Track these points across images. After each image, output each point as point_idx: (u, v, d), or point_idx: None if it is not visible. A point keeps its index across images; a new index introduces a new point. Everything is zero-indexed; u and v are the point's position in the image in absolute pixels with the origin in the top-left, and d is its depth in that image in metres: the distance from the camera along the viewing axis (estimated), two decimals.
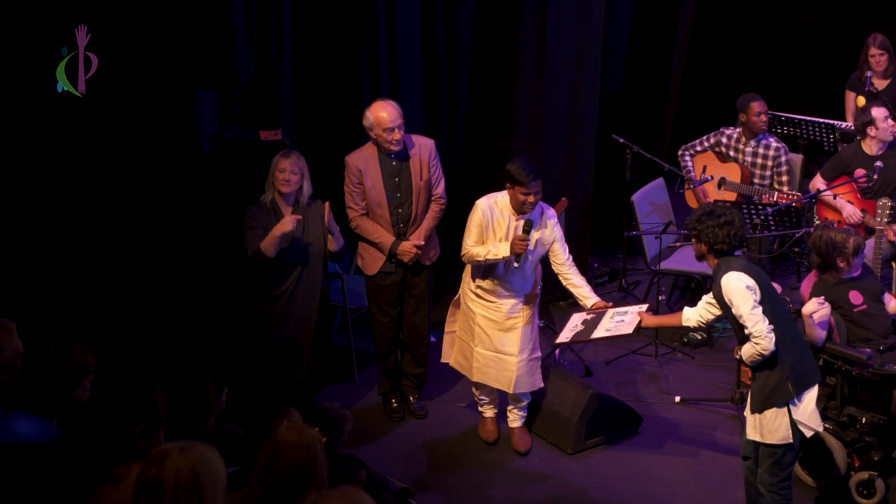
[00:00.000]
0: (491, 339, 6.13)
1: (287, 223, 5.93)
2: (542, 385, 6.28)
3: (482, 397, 6.43)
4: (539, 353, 6.26)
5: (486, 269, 6.05)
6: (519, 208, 5.90)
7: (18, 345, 4.50)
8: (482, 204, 5.98)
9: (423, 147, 6.35)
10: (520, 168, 5.80)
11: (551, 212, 6.08)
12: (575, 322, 5.93)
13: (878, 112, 7.20)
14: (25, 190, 6.08)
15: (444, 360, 6.49)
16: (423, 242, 6.35)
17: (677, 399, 6.78)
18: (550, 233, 6.02)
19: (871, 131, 7.21)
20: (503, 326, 6.12)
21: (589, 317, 5.92)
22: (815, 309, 5.72)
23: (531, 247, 5.92)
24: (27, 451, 4.08)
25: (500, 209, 5.96)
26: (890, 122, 7.18)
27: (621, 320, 5.76)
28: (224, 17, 6.25)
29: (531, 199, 5.84)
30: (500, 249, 5.90)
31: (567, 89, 7.80)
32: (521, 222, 5.91)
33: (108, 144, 6.22)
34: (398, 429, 6.61)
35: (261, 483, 3.64)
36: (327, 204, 6.13)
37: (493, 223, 5.96)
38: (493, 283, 6.07)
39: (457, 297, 6.35)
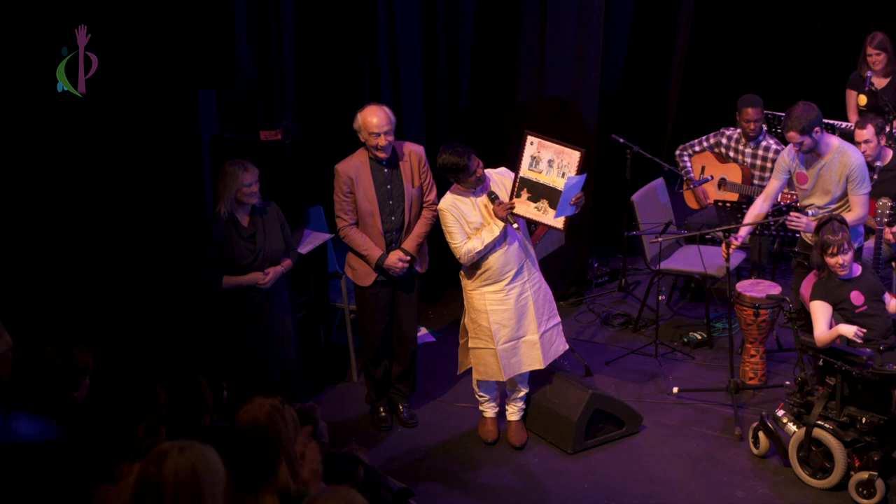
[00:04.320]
0: (510, 329, 6.15)
1: (263, 282, 6.03)
2: (566, 347, 6.42)
3: (482, 395, 6.43)
4: (558, 319, 6.35)
5: (484, 258, 6.06)
6: (475, 186, 6.04)
7: (7, 338, 4.50)
8: (444, 204, 6.09)
9: (413, 154, 6.33)
10: (451, 157, 5.95)
11: (495, 170, 6.18)
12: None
13: (859, 135, 7.18)
14: (25, 190, 6.08)
15: (460, 371, 6.52)
16: (415, 249, 6.33)
17: (675, 390, 6.79)
18: (509, 182, 6.13)
19: (860, 147, 7.21)
20: (518, 312, 6.14)
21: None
22: (853, 337, 5.75)
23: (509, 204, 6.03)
24: (27, 451, 4.08)
25: (460, 200, 6.07)
26: (871, 144, 7.13)
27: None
28: (224, 17, 6.24)
29: (479, 173, 6.00)
30: (491, 229, 6.00)
31: (567, 89, 7.80)
32: (484, 197, 6.04)
33: (108, 144, 6.21)
34: (398, 429, 6.62)
35: (231, 469, 3.67)
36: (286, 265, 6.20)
37: (463, 215, 6.04)
38: (496, 265, 6.07)
39: (464, 318, 6.36)
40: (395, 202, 6.28)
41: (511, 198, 6.01)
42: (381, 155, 6.18)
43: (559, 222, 5.95)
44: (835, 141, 6.34)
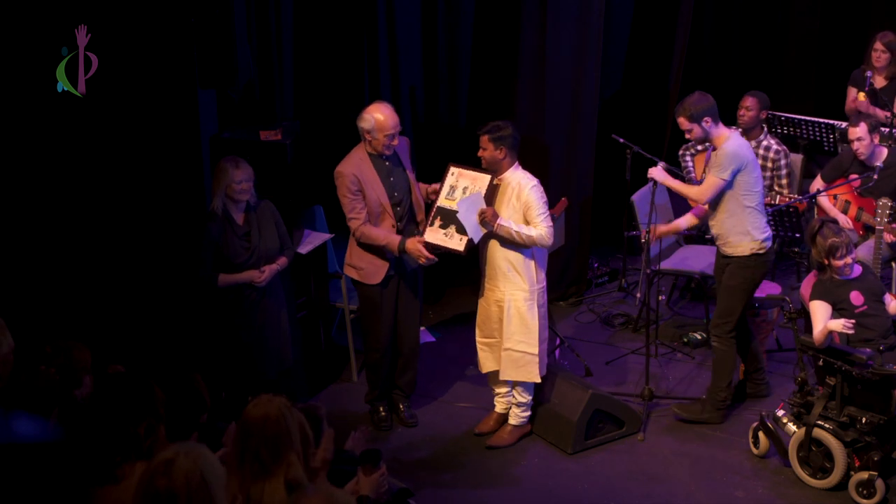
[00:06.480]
0: (485, 324, 6.28)
1: (258, 279, 6.01)
2: (535, 380, 6.26)
3: (496, 390, 6.46)
4: (533, 350, 6.18)
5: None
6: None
7: (10, 340, 4.50)
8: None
9: (402, 143, 6.39)
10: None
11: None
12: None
13: (852, 133, 7.17)
14: (25, 190, 6.08)
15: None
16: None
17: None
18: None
19: (853, 146, 7.21)
20: (488, 309, 6.25)
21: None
22: (842, 329, 5.75)
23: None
24: (27, 451, 4.08)
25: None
26: (864, 142, 7.13)
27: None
28: (224, 17, 6.24)
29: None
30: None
31: (567, 89, 7.80)
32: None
33: (108, 144, 6.22)
34: (398, 429, 6.61)
35: (238, 461, 3.66)
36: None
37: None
38: (481, 259, 6.22)
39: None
40: (400, 193, 6.31)
41: (426, 226, 6.17)
42: (389, 152, 6.24)
43: (461, 245, 6.02)
44: (725, 131, 6.26)
